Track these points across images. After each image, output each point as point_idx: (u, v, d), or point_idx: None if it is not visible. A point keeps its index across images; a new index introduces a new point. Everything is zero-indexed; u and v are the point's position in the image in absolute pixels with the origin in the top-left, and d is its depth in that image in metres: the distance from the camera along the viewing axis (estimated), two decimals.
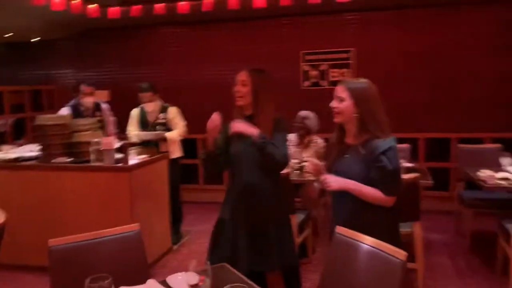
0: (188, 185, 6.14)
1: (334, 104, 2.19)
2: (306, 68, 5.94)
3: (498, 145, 4.65)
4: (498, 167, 3.90)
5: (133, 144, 4.32)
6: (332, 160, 2.26)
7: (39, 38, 6.69)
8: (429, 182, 3.69)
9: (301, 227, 3.91)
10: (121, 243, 2.07)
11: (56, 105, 6.98)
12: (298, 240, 3.75)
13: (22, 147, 4.53)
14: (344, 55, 5.78)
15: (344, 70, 5.79)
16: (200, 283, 1.54)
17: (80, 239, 2.02)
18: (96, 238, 2.05)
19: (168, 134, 4.48)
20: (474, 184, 4.32)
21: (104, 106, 4.99)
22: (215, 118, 2.40)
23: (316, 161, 2.46)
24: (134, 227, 2.12)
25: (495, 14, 5.40)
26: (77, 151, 3.97)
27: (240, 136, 2.45)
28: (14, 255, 3.80)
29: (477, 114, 5.53)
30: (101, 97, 6.46)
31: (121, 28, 6.55)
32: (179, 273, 1.86)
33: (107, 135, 4.76)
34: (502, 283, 3.47)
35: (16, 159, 4.13)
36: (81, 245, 2.01)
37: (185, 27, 6.39)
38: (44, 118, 4.01)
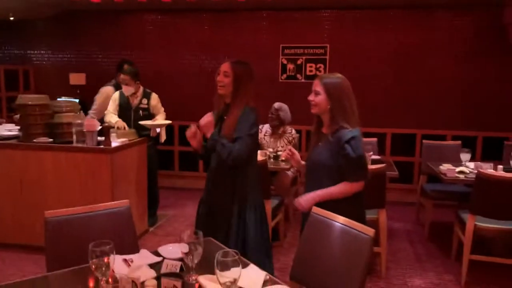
0: (164, 171, 6.26)
1: (311, 97, 2.43)
2: (284, 61, 6.13)
3: (458, 142, 4.99)
4: (458, 162, 4.23)
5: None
6: (310, 148, 2.49)
7: (16, 17, 6.59)
8: (395, 173, 3.99)
9: (274, 212, 4.11)
10: (112, 217, 2.21)
11: (32, 85, 6.94)
12: (272, 224, 3.95)
13: (1, 125, 4.54)
14: (320, 51, 6.00)
15: (320, 65, 6.01)
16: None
17: (74, 212, 2.15)
18: (89, 212, 2.18)
19: (167, 124, 4.60)
20: (435, 178, 4.66)
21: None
22: (208, 117, 2.68)
23: (293, 150, 2.67)
24: (124, 202, 2.27)
25: (469, 20, 5.71)
26: (58, 132, 4.03)
27: (216, 124, 2.71)
28: None
29: (441, 113, 5.88)
30: (78, 80, 6.49)
31: (102, 12, 6.54)
32: (170, 244, 2.03)
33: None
34: (456, 268, 3.79)
35: None
36: (75, 218, 2.14)
37: (167, 14, 6.45)
38: (26, 98, 4.04)
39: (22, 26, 6.86)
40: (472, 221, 3.47)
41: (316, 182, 2.43)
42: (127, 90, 4.55)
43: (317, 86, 2.40)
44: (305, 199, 2.41)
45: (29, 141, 3.96)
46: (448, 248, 4.13)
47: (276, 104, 4.70)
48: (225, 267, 1.51)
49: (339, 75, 2.43)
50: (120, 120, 4.48)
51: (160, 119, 4.63)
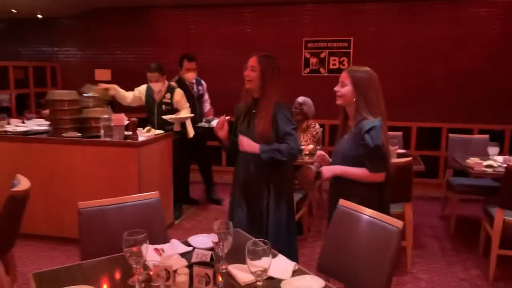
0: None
1: (337, 88, 2.43)
2: (307, 55, 6.11)
3: (486, 136, 4.90)
4: (485, 156, 4.15)
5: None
6: (337, 140, 2.50)
7: (44, 15, 6.75)
8: (422, 167, 3.95)
9: (298, 206, 4.12)
10: (142, 208, 2.27)
11: (59, 81, 7.10)
12: (296, 218, 3.96)
13: (31, 121, 4.67)
14: (344, 44, 5.96)
15: (344, 58, 5.98)
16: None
17: (105, 203, 2.21)
18: (120, 203, 2.24)
19: (189, 118, 4.71)
20: (462, 172, 4.60)
21: (203, 83, 5.30)
22: (222, 121, 2.73)
23: (323, 153, 2.68)
24: (154, 194, 2.32)
25: (495, 11, 5.59)
26: (86, 126, 4.14)
27: (244, 118, 2.73)
28: (23, 225, 3.97)
29: (467, 106, 5.78)
30: (104, 76, 6.61)
31: (126, 9, 6.64)
32: (199, 234, 2.07)
33: (205, 111, 5.15)
34: (484, 263, 3.74)
35: (26, 133, 4.28)
36: (106, 209, 2.20)
37: (191, 10, 6.50)
38: (56, 93, 4.15)
39: (50, 24, 7.02)
40: (501, 216, 3.41)
41: (342, 178, 2.43)
42: (157, 86, 4.66)
43: (345, 77, 2.39)
44: (327, 168, 2.45)
45: (59, 135, 4.06)
46: (475, 243, 4.07)
47: (300, 99, 4.69)
48: (255, 256, 1.53)
49: (368, 68, 2.41)
50: (114, 86, 4.68)
51: (183, 114, 4.70)
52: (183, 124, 4.78)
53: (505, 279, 3.50)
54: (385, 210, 2.39)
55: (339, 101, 2.43)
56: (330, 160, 2.62)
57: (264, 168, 2.69)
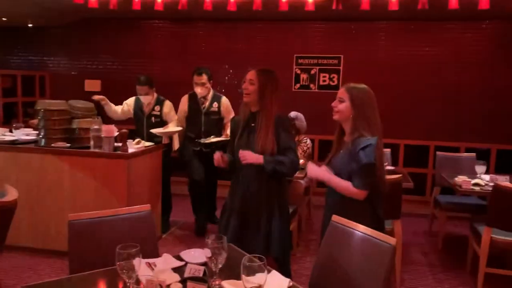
0: (174, 177, 6.28)
1: (334, 103, 2.45)
2: (298, 71, 6.17)
3: (473, 154, 4.98)
4: (473, 174, 4.21)
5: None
6: (331, 155, 2.51)
7: (34, 24, 6.72)
8: (410, 184, 3.98)
9: None
10: (134, 221, 2.24)
11: (48, 91, 7.04)
12: None
13: (19, 130, 4.60)
14: (334, 61, 6.03)
15: (334, 75, 6.04)
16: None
17: (97, 215, 2.17)
18: (111, 216, 2.21)
19: (178, 131, 4.66)
20: (449, 190, 4.65)
21: (224, 102, 4.67)
22: (217, 158, 2.75)
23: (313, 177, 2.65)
24: (146, 207, 2.30)
25: (481, 32, 5.74)
26: (75, 137, 4.08)
27: (243, 132, 2.69)
28: (9, 235, 3.89)
29: (454, 125, 5.87)
30: (93, 87, 6.57)
31: (116, 20, 6.65)
32: (192, 249, 2.04)
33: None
34: (471, 280, 3.76)
35: (13, 142, 4.21)
36: (98, 221, 2.16)
37: (182, 23, 6.53)
38: (46, 103, 4.10)
39: (40, 33, 6.99)
40: (489, 234, 3.45)
41: (336, 194, 2.43)
42: (146, 99, 4.64)
43: (342, 93, 2.42)
44: (315, 169, 2.47)
45: (47, 145, 4.01)
46: (462, 260, 4.10)
47: (292, 113, 4.73)
48: (251, 272, 1.52)
49: (365, 86, 2.44)
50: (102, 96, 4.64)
51: (172, 127, 4.67)
52: (171, 137, 4.77)
53: None
54: (379, 227, 2.40)
55: (335, 117, 2.45)
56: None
57: (266, 184, 2.69)
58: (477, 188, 3.89)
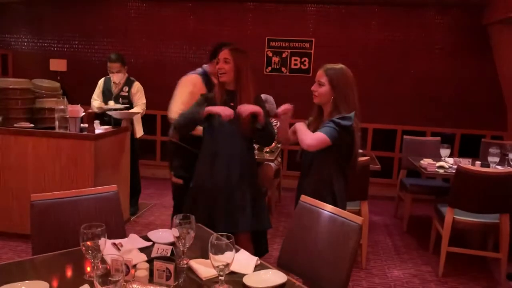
0: (145, 160, 6.20)
1: (314, 87, 2.44)
2: (270, 54, 6.14)
3: (438, 138, 5.12)
4: (437, 158, 4.33)
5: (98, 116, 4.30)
6: None
7: None
8: (378, 166, 4.06)
9: None
10: (99, 202, 2.19)
11: (10, 70, 6.76)
12: None
13: None
14: (305, 45, 6.03)
15: (305, 58, 6.05)
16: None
17: (60, 196, 2.11)
18: (75, 196, 2.15)
19: (134, 115, 4.47)
20: (415, 173, 4.77)
21: None
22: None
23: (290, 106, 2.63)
24: (112, 187, 2.25)
25: (450, 19, 5.83)
26: (39, 117, 3.96)
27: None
28: None
29: (421, 110, 6.00)
30: (59, 66, 6.35)
31: None
32: (160, 229, 2.02)
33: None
34: (434, 260, 3.90)
35: None
36: (62, 202, 2.10)
37: (151, 2, 6.37)
38: (6, 81, 3.95)
39: (1, 9, 6.66)
40: (451, 214, 3.57)
41: (316, 167, 2.44)
42: (117, 77, 4.51)
43: (321, 77, 2.41)
44: (284, 111, 2.54)
45: (9, 126, 3.86)
46: (426, 241, 4.23)
47: (262, 96, 4.70)
48: (218, 250, 1.52)
49: (342, 65, 2.44)
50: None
51: (139, 112, 4.53)
52: (132, 122, 4.58)
53: (453, 275, 3.67)
54: (341, 202, 2.42)
55: (316, 100, 2.46)
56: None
57: (247, 162, 2.72)
58: (441, 171, 4.01)
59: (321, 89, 2.41)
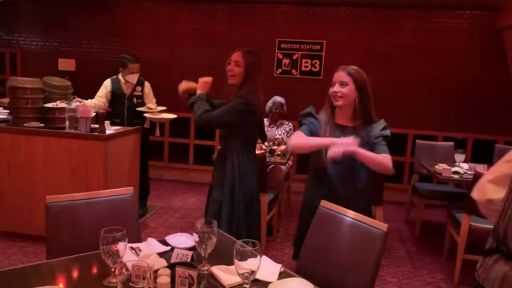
0: (152, 161, 6.15)
1: (336, 88, 2.29)
2: (280, 56, 6.08)
3: (451, 143, 5.05)
4: (451, 163, 4.26)
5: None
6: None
7: None
8: (392, 171, 3.98)
9: (269, 207, 4.08)
10: (115, 204, 2.14)
11: (19, 69, 6.74)
12: (267, 218, 3.92)
13: None
14: (317, 47, 5.97)
15: (316, 61, 5.98)
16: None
17: (76, 197, 2.06)
18: (91, 198, 2.10)
19: (169, 116, 4.36)
20: (427, 178, 4.71)
21: None
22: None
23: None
24: (129, 190, 2.20)
25: (464, 22, 5.75)
26: (50, 117, 3.91)
27: None
28: None
29: (433, 114, 5.92)
30: (68, 66, 6.32)
31: None
32: (178, 234, 1.97)
33: None
34: (448, 267, 3.82)
35: None
36: (77, 204, 2.06)
37: (161, 3, 6.33)
38: (17, 80, 3.90)
39: (11, 8, 6.64)
40: (467, 221, 3.49)
41: (351, 172, 2.34)
42: (135, 77, 4.45)
43: (344, 77, 2.28)
44: (344, 141, 2.13)
45: (19, 125, 3.82)
46: (439, 247, 4.16)
47: (280, 99, 4.92)
48: (243, 257, 1.46)
49: (357, 67, 2.35)
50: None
51: (166, 114, 4.45)
52: (153, 123, 4.56)
53: (469, 283, 3.58)
54: (368, 214, 2.36)
55: (339, 102, 2.29)
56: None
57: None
58: (456, 176, 3.94)
59: (345, 89, 2.27)
